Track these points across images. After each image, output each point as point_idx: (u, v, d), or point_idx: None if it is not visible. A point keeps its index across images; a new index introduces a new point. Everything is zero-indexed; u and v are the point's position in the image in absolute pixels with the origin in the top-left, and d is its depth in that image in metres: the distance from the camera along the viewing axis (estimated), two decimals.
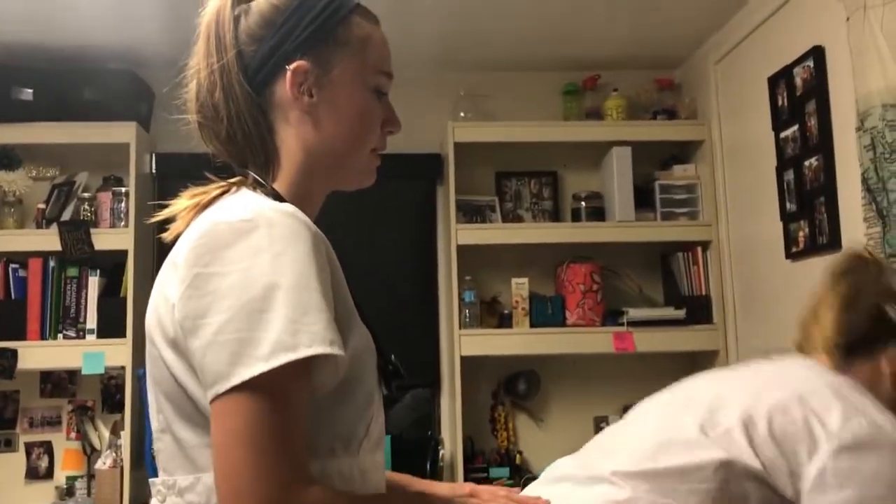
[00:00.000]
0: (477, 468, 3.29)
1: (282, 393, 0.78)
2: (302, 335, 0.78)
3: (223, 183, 0.96)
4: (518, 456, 3.35)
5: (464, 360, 3.20)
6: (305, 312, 0.79)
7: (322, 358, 0.80)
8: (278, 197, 0.94)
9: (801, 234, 2.51)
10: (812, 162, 2.44)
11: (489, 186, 3.51)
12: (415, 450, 3.26)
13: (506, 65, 3.43)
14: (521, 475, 3.25)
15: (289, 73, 0.94)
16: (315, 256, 0.83)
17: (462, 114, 3.41)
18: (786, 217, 2.59)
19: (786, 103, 2.59)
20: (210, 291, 0.79)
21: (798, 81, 2.50)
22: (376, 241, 3.49)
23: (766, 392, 1.14)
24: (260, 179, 0.95)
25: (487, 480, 3.24)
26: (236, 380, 0.77)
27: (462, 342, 3.19)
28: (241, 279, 0.79)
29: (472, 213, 3.42)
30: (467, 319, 3.25)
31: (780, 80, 2.62)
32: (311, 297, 0.80)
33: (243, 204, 0.88)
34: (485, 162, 3.47)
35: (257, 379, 0.76)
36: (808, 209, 2.46)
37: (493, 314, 3.35)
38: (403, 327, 3.46)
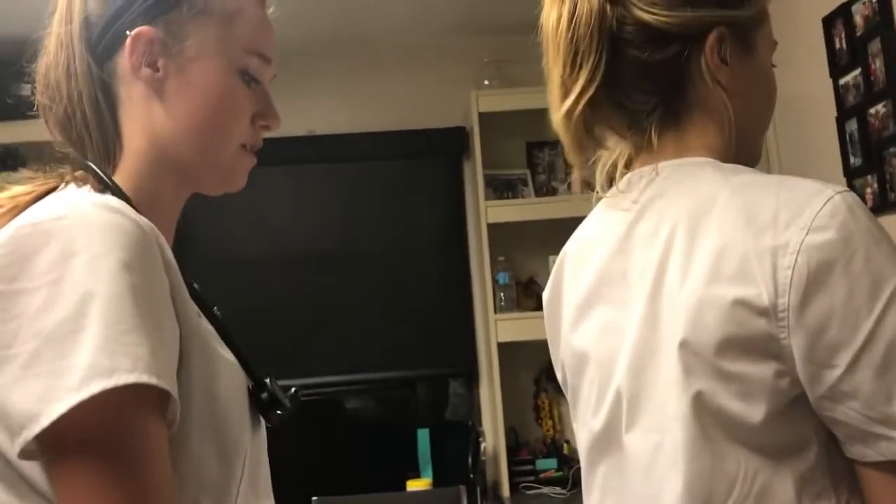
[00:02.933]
0: (522, 460, 3.10)
1: (118, 436, 0.63)
2: (121, 357, 0.62)
3: (52, 178, 0.80)
4: (565, 445, 3.15)
5: (501, 346, 3.01)
6: (127, 330, 0.63)
7: (156, 389, 0.64)
8: (119, 193, 0.77)
9: (868, 190, 2.24)
10: (878, 109, 2.16)
11: (519, 159, 3.29)
12: (455, 443, 3.10)
13: (531, 26, 3.19)
14: (570, 466, 3.05)
15: (129, 40, 0.80)
16: (145, 261, 0.67)
17: (486, 82, 3.19)
18: (850, 172, 2.32)
19: (844, 45, 2.31)
20: (16, 315, 0.64)
21: (858, 20, 2.23)
22: (401, 226, 3.31)
23: None
24: (99, 172, 0.79)
25: (534, 472, 3.06)
26: (45, 420, 0.60)
27: (498, 327, 2.99)
28: (50, 294, 0.63)
29: (502, 188, 3.20)
30: (503, 303, 3.05)
31: (836, 19, 2.34)
32: (136, 310, 0.64)
33: (59, 200, 0.71)
34: (513, 132, 3.24)
35: (73, 416, 0.60)
36: (876, 162, 2.19)
37: (530, 296, 3.14)
38: (436, 315, 3.28)
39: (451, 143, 3.30)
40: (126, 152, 0.82)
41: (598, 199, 0.96)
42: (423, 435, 3.09)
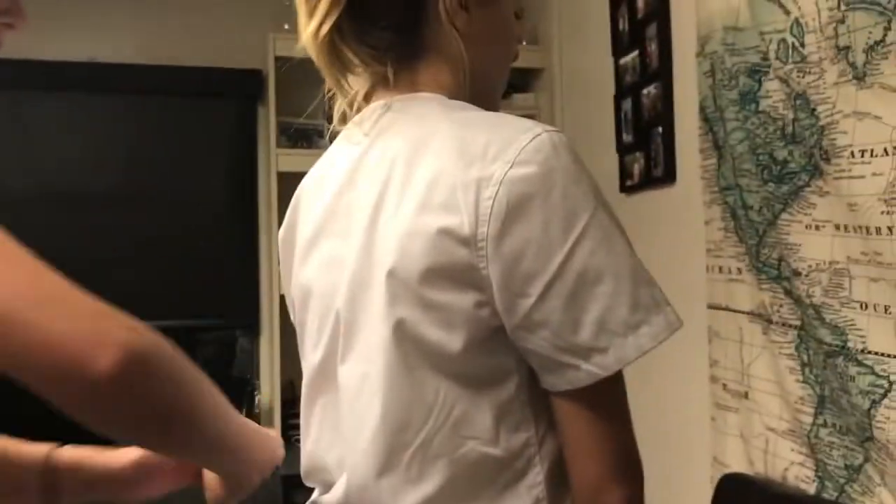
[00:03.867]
0: (296, 413, 3.06)
1: None
2: None
3: None
4: None
5: (284, 298, 2.95)
6: None
7: None
8: None
9: (636, 166, 2.39)
10: (650, 90, 2.31)
11: (317, 109, 3.21)
12: (230, 397, 3.01)
13: None
14: None
15: None
16: None
17: (286, 25, 3.08)
18: (622, 148, 2.47)
19: (626, 27, 2.44)
20: None
21: (640, 3, 2.36)
22: (188, 168, 3.15)
23: None
24: None
25: None
26: None
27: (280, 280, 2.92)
28: None
29: (296, 137, 3.12)
30: None
31: (621, 1, 2.46)
32: None
33: None
34: (312, 81, 3.16)
35: None
36: (644, 140, 2.34)
37: None
38: (220, 263, 3.16)
39: (246, 85, 3.18)
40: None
41: (336, 133, 0.95)
42: None
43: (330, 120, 3.42)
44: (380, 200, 0.81)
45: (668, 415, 2.17)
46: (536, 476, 0.79)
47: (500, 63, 0.95)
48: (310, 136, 3.17)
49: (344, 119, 0.93)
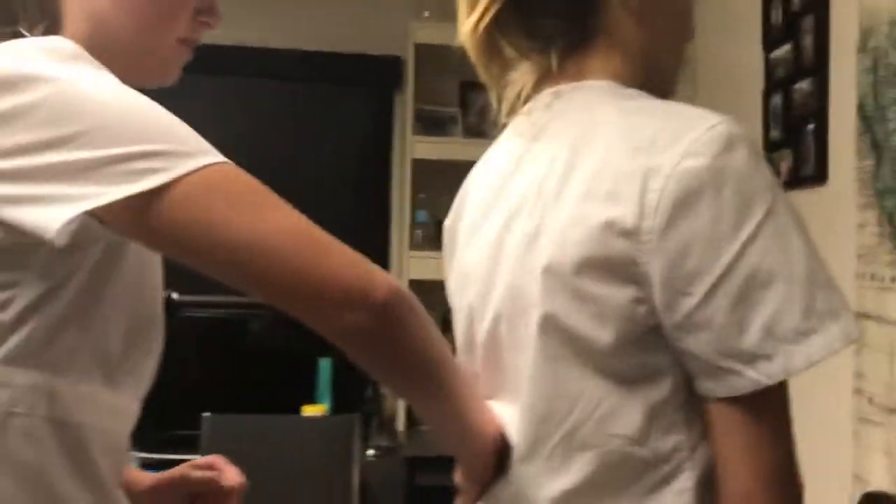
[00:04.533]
0: None
1: None
2: None
3: None
4: None
5: (413, 283, 3.00)
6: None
7: None
8: None
9: (783, 164, 2.29)
10: (803, 86, 2.20)
11: (452, 97, 3.25)
12: (356, 376, 3.09)
13: None
14: None
15: None
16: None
17: (426, 13, 3.12)
18: (770, 145, 2.36)
19: (780, 19, 2.33)
20: None
21: None
22: (323, 152, 3.23)
23: None
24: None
25: None
26: None
27: (412, 265, 2.98)
28: None
29: (431, 125, 3.16)
30: (419, 241, 3.03)
31: None
32: None
33: None
34: (448, 69, 3.18)
35: None
36: (793, 138, 2.23)
37: None
38: (350, 246, 3.23)
39: (384, 72, 3.23)
40: (65, 35, 0.79)
41: (504, 126, 0.94)
42: (325, 364, 3.07)
43: (464, 109, 3.42)
44: (540, 190, 0.80)
45: (807, 427, 2.07)
46: (686, 482, 0.75)
47: (676, 45, 0.90)
48: (444, 124, 3.20)
49: (512, 110, 0.91)
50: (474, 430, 0.81)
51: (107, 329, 0.74)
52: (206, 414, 2.47)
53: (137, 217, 0.66)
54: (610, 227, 0.72)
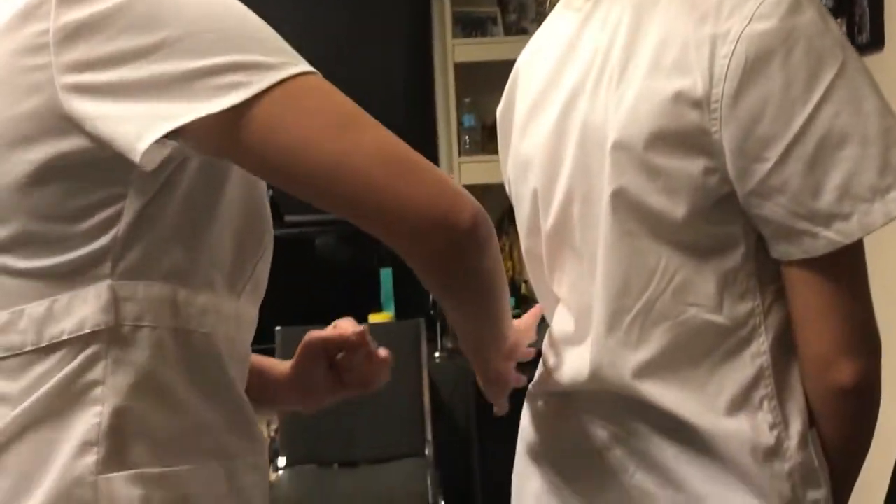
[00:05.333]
0: None
1: None
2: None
3: None
4: (524, 286, 3.23)
5: (465, 188, 3.02)
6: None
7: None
8: None
9: None
10: None
11: None
12: (417, 283, 3.16)
13: None
14: (528, 304, 3.13)
15: None
16: None
17: None
18: None
19: None
20: None
21: None
22: (361, 60, 3.20)
23: None
24: None
25: None
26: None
27: (462, 170, 3.00)
28: None
29: (470, 26, 3.11)
30: (467, 146, 3.04)
31: None
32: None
33: None
34: None
35: None
36: (847, 3, 2.14)
37: (495, 139, 3.11)
38: None
39: None
40: None
41: (553, 5, 0.93)
42: (387, 274, 3.14)
43: (503, 7, 3.34)
44: (603, 66, 0.79)
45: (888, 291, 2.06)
46: (761, 345, 0.77)
47: None
48: (484, 24, 3.14)
49: None
50: (501, 343, 0.86)
51: (222, 237, 0.73)
52: (279, 328, 2.58)
53: (221, 135, 0.64)
54: (679, 98, 0.72)
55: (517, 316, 3.24)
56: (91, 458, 0.66)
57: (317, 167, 0.65)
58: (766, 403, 0.77)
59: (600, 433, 0.85)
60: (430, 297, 3.09)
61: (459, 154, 3.02)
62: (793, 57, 0.70)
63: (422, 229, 0.66)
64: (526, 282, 3.23)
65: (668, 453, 0.80)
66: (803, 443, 0.76)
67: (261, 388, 0.90)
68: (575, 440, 0.87)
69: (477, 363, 0.91)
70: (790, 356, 0.78)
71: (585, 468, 0.86)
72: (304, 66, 0.67)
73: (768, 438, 0.76)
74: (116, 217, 0.67)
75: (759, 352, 0.77)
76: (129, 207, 0.67)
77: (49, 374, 0.67)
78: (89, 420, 0.67)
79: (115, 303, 0.68)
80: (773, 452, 0.76)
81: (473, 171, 2.98)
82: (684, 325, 0.78)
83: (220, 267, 0.74)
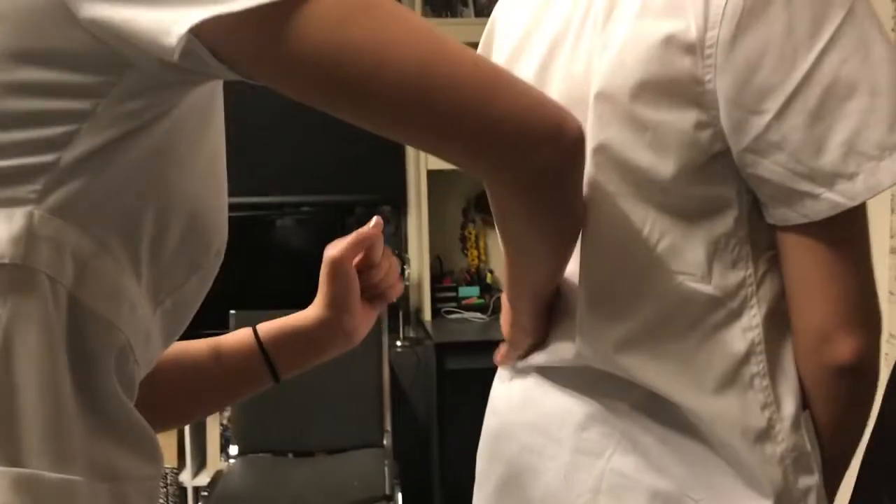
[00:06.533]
0: (445, 287, 3.13)
1: None
2: None
3: None
4: (489, 275, 3.17)
5: (431, 174, 2.97)
6: None
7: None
8: None
9: None
10: None
11: None
12: None
13: None
14: (492, 294, 3.09)
15: None
16: None
17: None
18: None
19: None
20: None
21: None
22: None
23: None
24: None
25: (456, 299, 3.10)
26: None
27: (429, 155, 2.91)
28: None
29: (440, 6, 3.04)
30: None
31: None
32: None
33: None
34: None
35: None
36: None
37: None
38: (364, 137, 3.17)
39: None
40: None
41: None
42: None
43: None
44: (587, 11, 0.72)
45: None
46: (752, 318, 0.70)
47: None
48: (454, 6, 3.07)
49: None
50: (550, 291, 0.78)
51: (166, 223, 0.60)
52: (233, 311, 2.49)
53: (264, 36, 0.52)
54: (670, 42, 0.65)
55: (480, 304, 3.17)
56: None
57: (398, 72, 0.53)
58: (756, 382, 0.70)
59: (577, 410, 0.78)
60: None
61: None
62: None
63: (533, 140, 0.58)
64: (491, 271, 3.18)
65: (651, 434, 0.74)
66: (796, 425, 0.70)
67: (295, 353, 0.81)
68: (549, 417, 0.81)
69: (522, 309, 0.81)
70: (784, 331, 0.71)
71: (558, 448, 0.80)
72: None
73: (759, 420, 0.69)
74: (67, 139, 0.54)
75: (750, 325, 0.70)
76: (85, 135, 0.54)
77: None
78: None
79: (28, 235, 0.53)
80: (764, 435, 0.69)
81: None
82: (671, 293, 0.70)
83: (151, 258, 0.60)
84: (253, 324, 0.84)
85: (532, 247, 0.72)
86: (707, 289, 0.70)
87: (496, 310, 3.02)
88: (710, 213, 0.70)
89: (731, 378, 0.70)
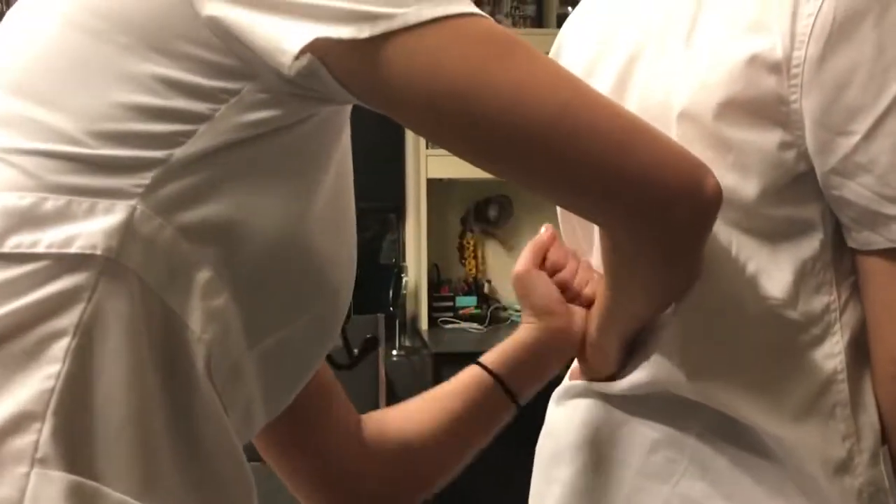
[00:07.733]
0: (443, 297, 3.13)
1: None
2: None
3: None
4: (486, 285, 3.17)
5: (430, 182, 2.97)
6: None
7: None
8: None
9: None
10: None
11: None
12: (377, 279, 3.09)
13: None
14: (489, 305, 3.09)
15: None
16: None
17: None
18: None
19: None
20: None
21: None
22: None
23: None
24: None
25: (453, 309, 3.10)
26: None
27: (429, 163, 2.93)
28: None
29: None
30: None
31: None
32: None
33: None
34: None
35: None
36: None
37: None
38: (364, 145, 3.16)
39: None
40: None
41: None
42: None
43: (477, 0, 3.21)
44: (666, 26, 0.71)
45: None
46: (835, 345, 0.69)
47: None
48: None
49: None
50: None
51: (273, 256, 0.56)
52: None
53: (388, 69, 0.52)
54: (754, 61, 0.64)
55: (477, 314, 3.15)
56: (29, 439, 0.48)
57: (540, 115, 0.52)
58: (838, 411, 0.68)
59: (643, 433, 0.76)
60: (391, 292, 3.02)
61: (427, 147, 2.95)
62: (888, 16, 0.61)
63: (671, 195, 0.56)
64: (489, 281, 3.18)
65: (723, 458, 0.72)
66: (874, 459, 0.68)
67: (523, 369, 0.81)
68: (613, 440, 0.79)
69: (608, 343, 0.79)
70: (866, 359, 0.70)
71: (623, 472, 0.78)
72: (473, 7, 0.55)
73: (839, 450, 0.68)
74: (182, 138, 0.53)
75: (832, 353, 0.69)
76: (201, 136, 0.53)
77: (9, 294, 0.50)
78: (38, 383, 0.49)
79: (126, 229, 0.51)
80: (843, 467, 0.68)
81: (440, 164, 2.90)
82: (754, 319, 0.69)
83: (250, 284, 0.56)
84: None
85: (643, 295, 0.71)
86: (792, 314, 0.69)
87: (493, 320, 3.02)
88: (795, 235, 0.69)
89: (812, 406, 0.69)
